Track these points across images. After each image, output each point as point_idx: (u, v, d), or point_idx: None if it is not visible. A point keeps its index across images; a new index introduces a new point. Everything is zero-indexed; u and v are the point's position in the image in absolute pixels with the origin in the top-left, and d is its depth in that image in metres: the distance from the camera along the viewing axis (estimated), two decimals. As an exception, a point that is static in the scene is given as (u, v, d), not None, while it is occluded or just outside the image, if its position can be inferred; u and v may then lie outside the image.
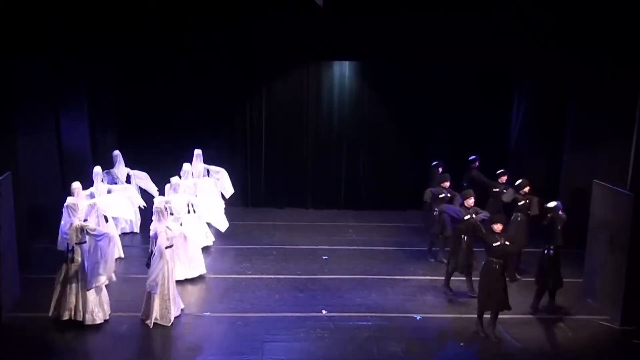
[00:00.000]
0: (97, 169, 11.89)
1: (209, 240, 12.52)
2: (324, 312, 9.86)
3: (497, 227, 9.03)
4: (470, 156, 13.84)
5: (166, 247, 9.28)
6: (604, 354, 9.00)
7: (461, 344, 9.03)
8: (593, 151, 11.93)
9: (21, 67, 10.83)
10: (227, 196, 13.61)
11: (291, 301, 10.26)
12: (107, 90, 14.50)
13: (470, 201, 10.40)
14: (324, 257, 12.22)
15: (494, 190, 12.19)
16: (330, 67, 15.18)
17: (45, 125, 11.84)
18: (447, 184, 11.88)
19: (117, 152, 13.22)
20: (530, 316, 9.88)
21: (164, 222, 9.35)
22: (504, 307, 9.06)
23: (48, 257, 10.94)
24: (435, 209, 11.79)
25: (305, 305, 10.11)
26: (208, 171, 13.48)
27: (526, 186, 11.29)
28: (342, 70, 15.22)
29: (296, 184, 15.53)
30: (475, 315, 9.40)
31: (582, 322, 9.73)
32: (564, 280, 9.98)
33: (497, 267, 8.94)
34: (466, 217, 10.15)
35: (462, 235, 10.30)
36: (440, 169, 12.80)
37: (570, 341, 9.22)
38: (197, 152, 13.76)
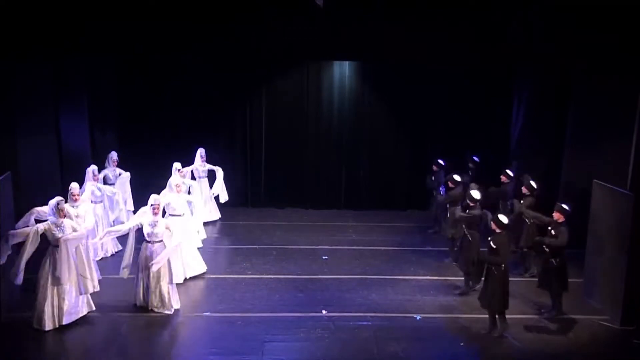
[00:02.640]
0: (95, 167, 11.97)
1: (201, 237, 12.54)
2: (324, 312, 9.86)
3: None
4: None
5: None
6: (604, 354, 8.99)
7: (461, 344, 9.03)
8: (593, 151, 11.91)
9: (21, 67, 10.83)
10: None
11: (291, 301, 10.26)
12: (107, 90, 14.48)
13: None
14: (324, 257, 12.21)
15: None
16: (330, 67, 15.17)
17: (45, 125, 11.82)
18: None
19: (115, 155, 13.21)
20: (530, 316, 9.87)
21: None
22: (504, 307, 9.08)
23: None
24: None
25: (305, 305, 10.11)
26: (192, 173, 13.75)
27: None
28: (342, 70, 15.21)
29: (296, 184, 15.52)
30: (475, 316, 9.45)
31: (582, 322, 9.71)
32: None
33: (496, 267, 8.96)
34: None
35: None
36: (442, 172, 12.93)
37: (570, 341, 9.21)
38: (201, 150, 13.80)
